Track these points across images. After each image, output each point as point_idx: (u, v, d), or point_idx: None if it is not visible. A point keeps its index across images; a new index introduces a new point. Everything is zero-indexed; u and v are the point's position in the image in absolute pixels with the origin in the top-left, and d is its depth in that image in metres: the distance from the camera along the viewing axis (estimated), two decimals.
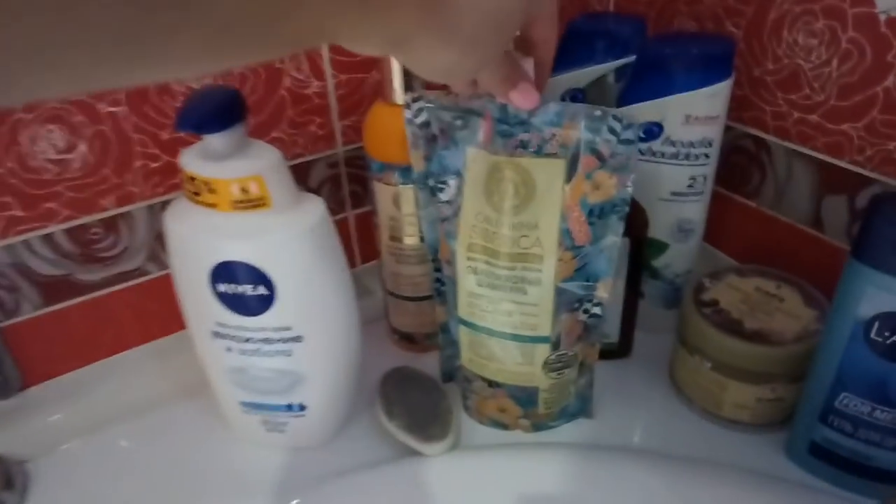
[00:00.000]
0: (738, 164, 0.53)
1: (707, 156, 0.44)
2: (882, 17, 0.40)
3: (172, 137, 0.44)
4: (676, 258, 0.49)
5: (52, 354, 0.47)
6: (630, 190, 0.36)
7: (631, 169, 0.36)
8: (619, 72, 0.47)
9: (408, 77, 0.41)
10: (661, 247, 0.48)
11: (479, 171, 0.38)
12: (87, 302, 0.46)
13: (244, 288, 0.38)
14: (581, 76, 0.48)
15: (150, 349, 0.50)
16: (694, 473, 0.41)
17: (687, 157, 0.44)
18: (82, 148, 0.42)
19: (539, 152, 0.36)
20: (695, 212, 0.47)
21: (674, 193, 0.46)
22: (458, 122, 0.38)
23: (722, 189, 0.54)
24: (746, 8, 0.48)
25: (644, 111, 0.43)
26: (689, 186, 0.45)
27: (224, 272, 0.37)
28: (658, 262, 0.49)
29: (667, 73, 0.42)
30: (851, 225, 0.46)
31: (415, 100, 0.38)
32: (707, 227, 0.49)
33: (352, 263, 0.57)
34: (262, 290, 0.38)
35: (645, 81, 0.44)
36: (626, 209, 0.37)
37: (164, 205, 0.46)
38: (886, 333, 0.34)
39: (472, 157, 0.38)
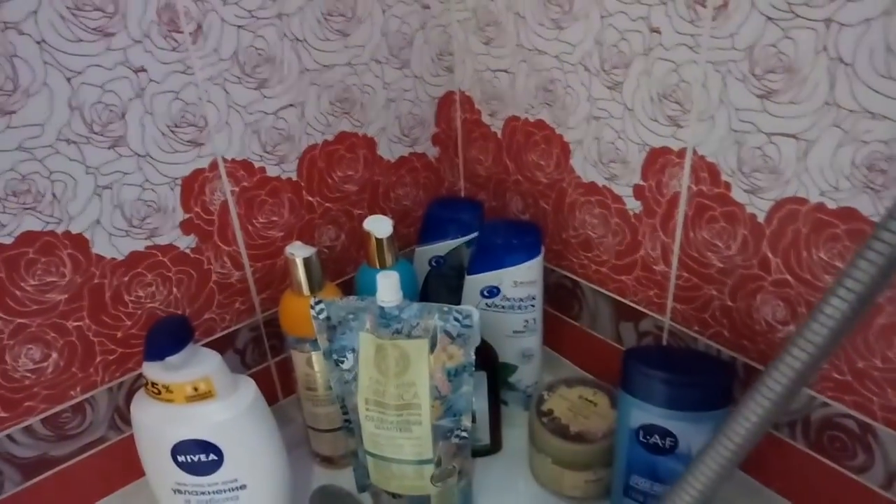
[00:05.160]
0: (562, 295, 0.70)
1: (533, 305, 0.61)
2: (631, 212, 0.58)
3: (125, 335, 0.56)
4: (524, 375, 0.65)
5: None
6: (473, 358, 0.52)
7: (472, 343, 0.51)
8: (468, 242, 0.64)
9: (308, 275, 0.56)
10: (511, 368, 0.65)
11: (368, 349, 0.53)
12: (59, 472, 0.57)
13: (199, 457, 0.50)
14: (441, 248, 0.64)
15: (111, 499, 0.60)
16: None
17: (519, 307, 0.61)
18: (54, 356, 0.53)
19: (409, 335, 0.52)
20: (532, 342, 0.64)
21: (514, 332, 0.62)
22: (350, 316, 0.52)
23: (554, 311, 0.71)
24: (551, 192, 0.65)
25: (486, 279, 0.60)
26: (524, 326, 0.62)
27: (183, 448, 0.50)
28: (512, 379, 0.66)
29: (498, 254, 0.59)
30: (638, 341, 0.64)
31: (318, 302, 0.52)
32: (547, 336, 0.66)
33: (276, 399, 0.70)
34: (213, 457, 0.50)
35: (484, 258, 0.60)
36: (473, 368, 0.52)
37: (121, 385, 0.58)
38: (648, 436, 0.51)
39: (363, 340, 0.53)
